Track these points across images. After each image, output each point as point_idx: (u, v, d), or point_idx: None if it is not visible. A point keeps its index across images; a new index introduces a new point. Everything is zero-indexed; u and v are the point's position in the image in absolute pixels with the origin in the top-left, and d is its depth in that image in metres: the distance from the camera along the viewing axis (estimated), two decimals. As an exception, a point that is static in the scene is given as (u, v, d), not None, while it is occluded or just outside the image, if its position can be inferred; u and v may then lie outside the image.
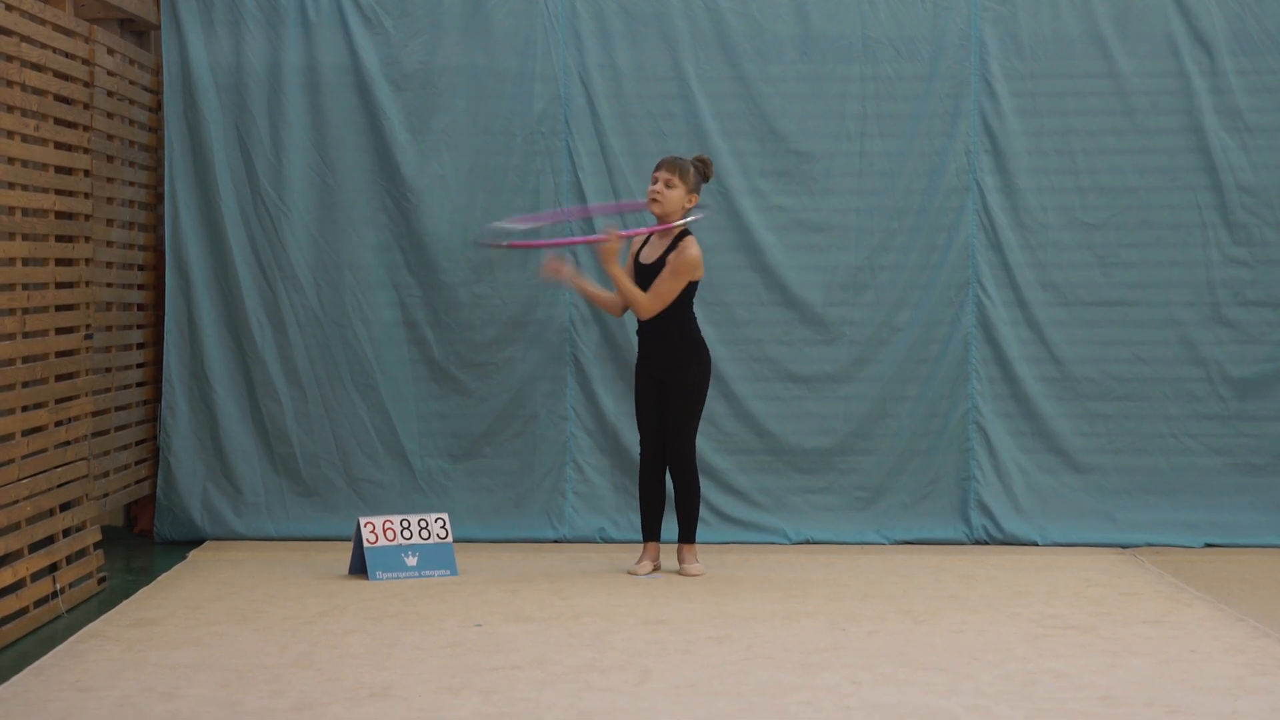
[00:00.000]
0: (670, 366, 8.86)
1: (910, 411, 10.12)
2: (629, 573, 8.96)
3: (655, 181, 8.84)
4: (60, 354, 8.42)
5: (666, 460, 8.95)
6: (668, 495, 9.13)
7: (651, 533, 9.03)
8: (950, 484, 10.11)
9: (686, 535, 8.99)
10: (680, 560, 9.00)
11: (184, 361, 10.08)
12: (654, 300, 8.78)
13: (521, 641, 7.29)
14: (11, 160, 7.86)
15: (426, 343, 10.11)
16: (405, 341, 10.11)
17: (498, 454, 10.11)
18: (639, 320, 8.92)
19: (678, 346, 8.87)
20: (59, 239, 8.47)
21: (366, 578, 8.75)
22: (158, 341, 10.26)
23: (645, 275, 8.87)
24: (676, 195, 8.82)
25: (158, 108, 10.26)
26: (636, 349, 9.02)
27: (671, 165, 8.84)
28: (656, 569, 9.02)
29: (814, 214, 10.14)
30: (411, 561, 8.84)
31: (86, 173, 8.87)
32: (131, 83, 9.81)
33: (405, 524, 8.89)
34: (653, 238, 8.93)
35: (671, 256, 8.79)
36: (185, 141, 10.06)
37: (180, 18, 10.03)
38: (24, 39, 7.99)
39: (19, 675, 6.68)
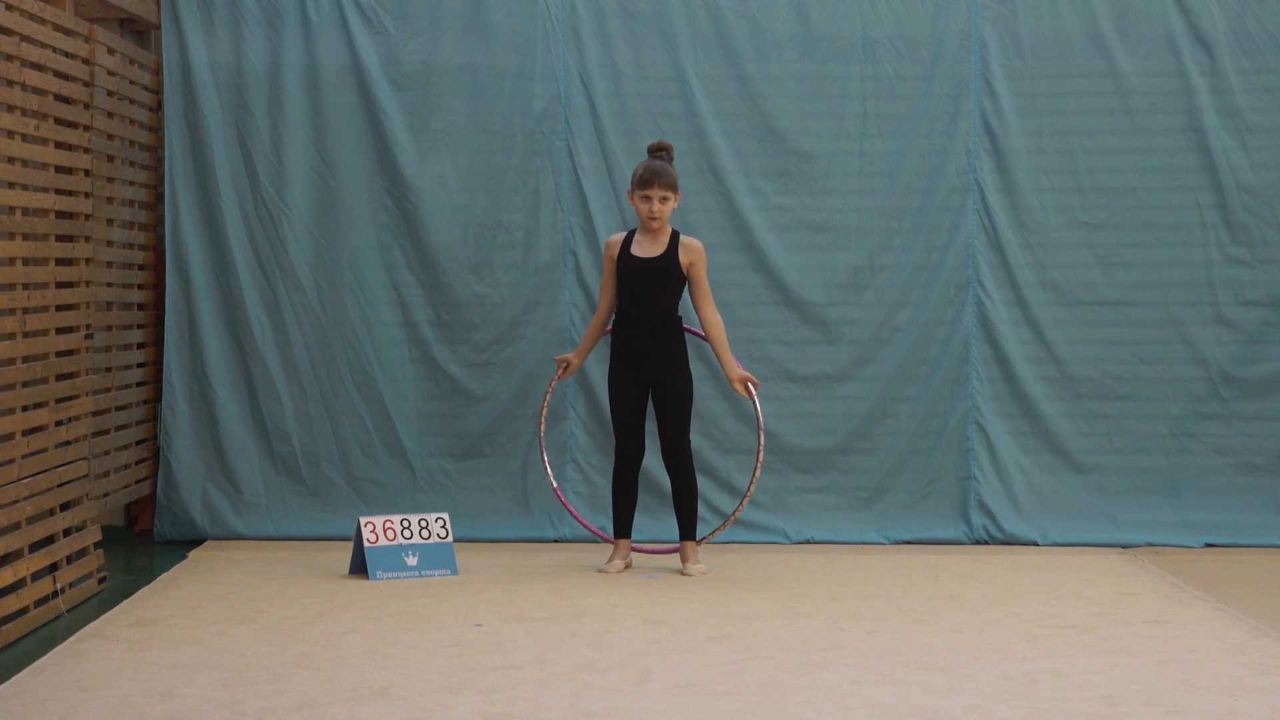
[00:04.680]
0: (665, 365, 8.85)
1: (910, 411, 10.12)
2: (600, 571, 8.96)
3: (650, 200, 8.83)
4: (60, 354, 8.42)
5: (668, 460, 8.95)
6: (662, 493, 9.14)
7: (624, 530, 9.07)
8: (950, 484, 10.11)
9: (690, 533, 9.01)
10: (684, 559, 9.00)
11: (184, 361, 10.09)
12: (715, 310, 8.96)
13: (521, 641, 7.29)
14: (11, 160, 7.86)
15: (427, 342, 10.11)
16: (405, 341, 10.11)
17: (498, 453, 10.11)
18: (623, 324, 8.92)
19: (674, 346, 8.88)
20: (59, 239, 8.47)
21: (367, 577, 8.75)
22: (158, 341, 10.27)
23: (643, 270, 8.85)
24: (669, 207, 8.86)
25: (158, 107, 10.27)
26: (614, 352, 9.01)
27: (666, 182, 8.83)
28: (628, 566, 9.05)
29: (814, 214, 10.15)
30: (412, 561, 8.85)
31: (87, 172, 8.87)
32: (132, 82, 9.81)
33: (405, 523, 8.89)
34: (644, 237, 8.91)
35: (692, 260, 8.86)
36: (185, 141, 10.06)
37: (180, 17, 10.04)
38: (24, 38, 8.00)
39: (19, 675, 6.68)
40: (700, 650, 7.13)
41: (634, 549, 9.25)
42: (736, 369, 8.97)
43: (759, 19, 10.10)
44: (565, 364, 9.20)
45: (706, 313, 8.94)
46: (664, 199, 8.83)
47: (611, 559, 9.04)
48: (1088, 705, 6.27)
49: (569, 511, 9.60)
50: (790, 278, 10.13)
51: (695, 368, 9.45)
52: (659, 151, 8.96)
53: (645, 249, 8.92)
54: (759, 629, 7.57)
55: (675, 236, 8.93)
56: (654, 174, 8.83)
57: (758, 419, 9.27)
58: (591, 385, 10.08)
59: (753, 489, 9.24)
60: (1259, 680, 6.68)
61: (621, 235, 9.02)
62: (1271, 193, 10.09)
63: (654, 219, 8.84)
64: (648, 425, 9.24)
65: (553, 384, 9.44)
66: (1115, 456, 10.13)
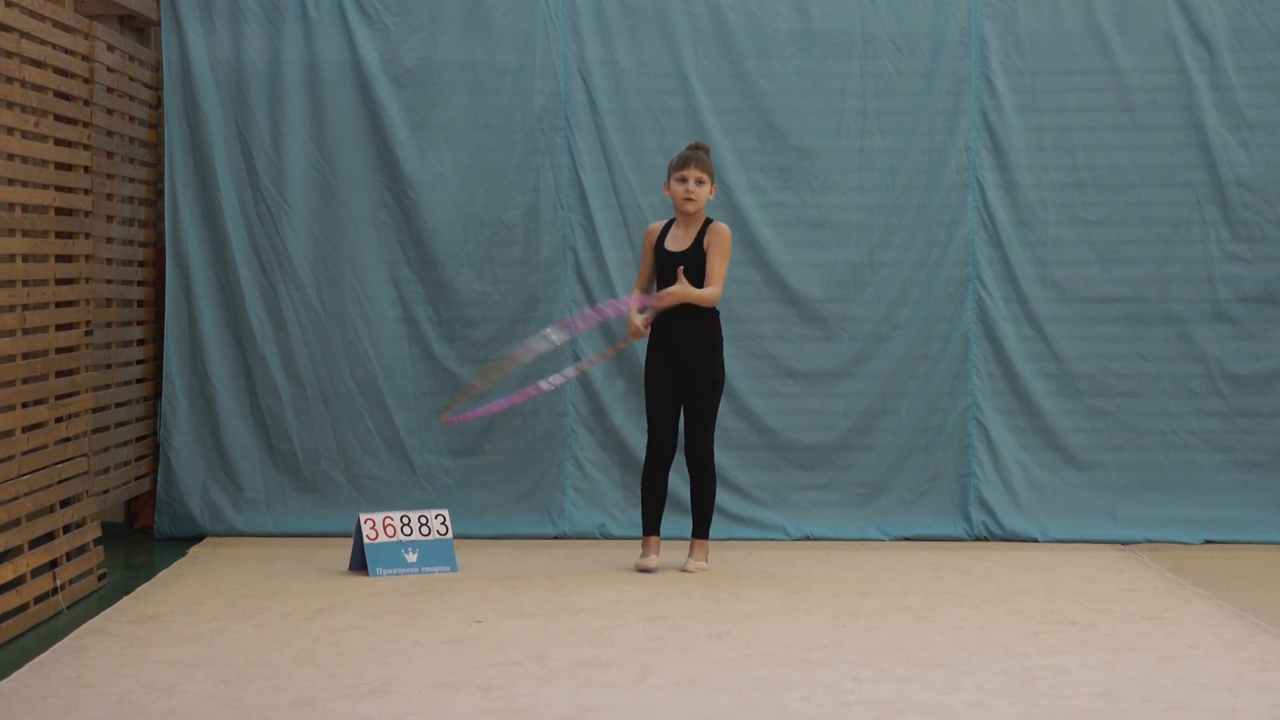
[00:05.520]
0: (697, 355, 8.77)
1: (910, 408, 10.12)
2: (643, 570, 8.86)
3: (686, 180, 8.80)
4: (60, 350, 8.42)
5: (687, 456, 8.90)
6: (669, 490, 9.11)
7: (654, 527, 9.00)
8: (950, 480, 10.11)
9: (704, 531, 8.97)
10: (691, 554, 8.97)
11: (184, 358, 10.09)
12: (717, 286, 8.79)
13: (521, 638, 7.29)
14: (11, 157, 7.86)
15: (426, 339, 10.11)
16: (405, 338, 10.11)
17: (498, 450, 10.11)
18: (658, 315, 8.85)
19: (706, 337, 8.80)
20: (59, 235, 8.47)
21: (367, 574, 8.75)
22: (158, 338, 10.27)
23: (675, 262, 8.81)
24: (705, 191, 8.82)
25: (158, 104, 10.27)
26: (650, 344, 8.93)
27: (702, 164, 8.81)
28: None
29: (814, 210, 10.15)
30: (412, 558, 8.85)
31: (86, 169, 8.87)
32: (131, 79, 9.81)
33: (405, 520, 8.89)
34: (678, 230, 8.90)
35: (712, 239, 8.80)
36: (185, 138, 10.06)
37: (180, 14, 10.03)
38: (24, 35, 7.99)
39: (19, 671, 6.68)
40: (700, 646, 7.13)
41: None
42: (655, 302, 8.69)
43: (759, 15, 10.10)
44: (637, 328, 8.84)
45: (704, 285, 8.80)
46: (699, 180, 8.79)
47: (648, 554, 8.90)
48: (1088, 701, 6.27)
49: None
50: (790, 274, 10.13)
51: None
52: (695, 149, 8.92)
53: (678, 241, 8.87)
54: (759, 625, 7.57)
55: (706, 225, 8.89)
56: (690, 157, 8.82)
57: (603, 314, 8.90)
58: (592, 384, 10.08)
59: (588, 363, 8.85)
60: (1259, 676, 6.68)
61: (660, 224, 8.98)
62: (1271, 189, 10.09)
63: (689, 199, 8.78)
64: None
65: (616, 347, 9.24)
66: (1115, 453, 10.13)
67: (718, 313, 8.89)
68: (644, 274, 9.00)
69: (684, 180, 8.80)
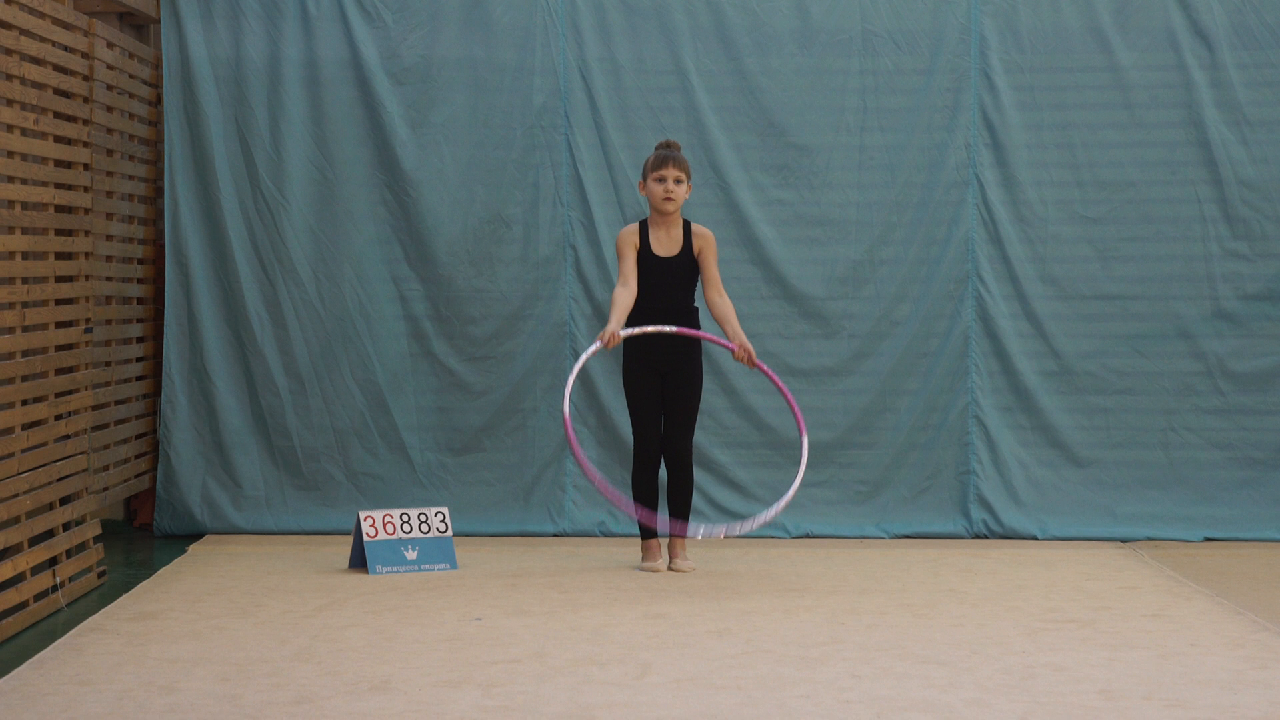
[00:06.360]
0: (681, 355, 8.78)
1: (910, 405, 10.12)
2: (651, 571, 8.84)
3: (665, 180, 8.76)
4: (60, 348, 8.42)
5: (671, 455, 8.89)
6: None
7: (654, 531, 8.99)
8: (950, 478, 10.12)
9: (681, 528, 8.97)
10: (672, 554, 8.96)
11: (184, 355, 10.09)
12: (725, 294, 8.85)
13: (521, 635, 7.29)
14: (11, 154, 7.86)
15: (426, 336, 10.11)
16: (405, 335, 10.12)
17: (497, 448, 10.12)
18: (640, 317, 8.82)
19: (690, 337, 8.81)
20: (58, 233, 8.47)
21: (366, 571, 8.75)
22: (157, 335, 10.27)
23: (665, 269, 8.78)
24: (684, 190, 8.80)
25: (157, 101, 10.27)
26: (629, 346, 8.89)
27: (680, 163, 8.78)
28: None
29: (813, 208, 10.15)
30: (411, 555, 8.85)
31: (86, 167, 8.87)
32: (131, 76, 9.81)
33: (405, 518, 8.89)
34: (658, 231, 8.87)
35: (704, 246, 8.81)
36: (185, 135, 10.06)
37: (180, 11, 10.04)
38: (23, 32, 7.99)
39: (19, 669, 6.68)
40: (700, 644, 7.13)
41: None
42: (742, 336, 8.74)
43: (758, 13, 10.10)
44: (609, 336, 8.58)
45: (713, 295, 8.80)
46: (678, 179, 8.76)
47: (655, 559, 8.90)
48: (1087, 699, 6.27)
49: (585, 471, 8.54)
50: (790, 272, 10.13)
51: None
52: (669, 147, 8.90)
53: (664, 246, 8.82)
54: (759, 623, 7.57)
55: (687, 227, 8.87)
56: (667, 156, 8.77)
57: (789, 402, 8.76)
58: (592, 381, 10.08)
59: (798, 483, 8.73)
60: (1258, 674, 6.68)
61: (634, 227, 8.87)
62: (1271, 187, 10.09)
63: (669, 199, 8.73)
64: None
65: (589, 353, 8.69)
66: (1114, 450, 10.13)
67: (697, 310, 8.89)
68: (633, 274, 8.77)
69: (663, 180, 8.77)
